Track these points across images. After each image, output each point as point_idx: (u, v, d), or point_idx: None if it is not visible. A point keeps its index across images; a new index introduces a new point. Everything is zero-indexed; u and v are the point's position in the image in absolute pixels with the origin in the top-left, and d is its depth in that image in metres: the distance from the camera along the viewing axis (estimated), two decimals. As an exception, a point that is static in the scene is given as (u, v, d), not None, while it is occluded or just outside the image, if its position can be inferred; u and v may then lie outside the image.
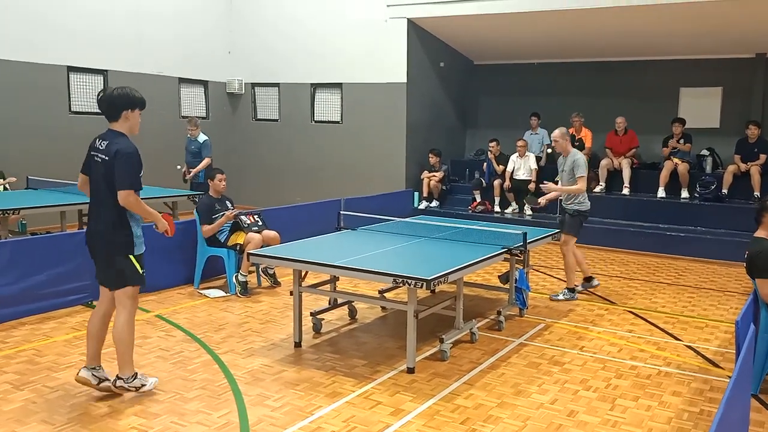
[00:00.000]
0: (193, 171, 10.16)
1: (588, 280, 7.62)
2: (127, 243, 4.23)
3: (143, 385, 4.41)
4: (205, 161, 10.10)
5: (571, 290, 7.25)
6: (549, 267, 9.02)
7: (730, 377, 5.01)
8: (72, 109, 11.10)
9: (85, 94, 11.30)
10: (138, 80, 11.95)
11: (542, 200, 7.54)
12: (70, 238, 6.62)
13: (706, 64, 11.66)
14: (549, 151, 11.84)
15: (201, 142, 10.22)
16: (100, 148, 4.15)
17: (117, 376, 4.37)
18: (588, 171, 7.32)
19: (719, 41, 11.07)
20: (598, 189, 11.03)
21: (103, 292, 4.43)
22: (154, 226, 4.55)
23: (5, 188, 9.17)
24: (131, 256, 4.23)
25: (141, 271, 4.29)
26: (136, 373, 4.40)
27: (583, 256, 7.63)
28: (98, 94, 4.22)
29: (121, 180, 4.02)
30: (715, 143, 11.29)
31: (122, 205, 4.11)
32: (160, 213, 4.54)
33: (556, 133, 7.29)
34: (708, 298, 7.57)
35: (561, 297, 7.21)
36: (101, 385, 4.44)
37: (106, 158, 4.05)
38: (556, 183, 7.52)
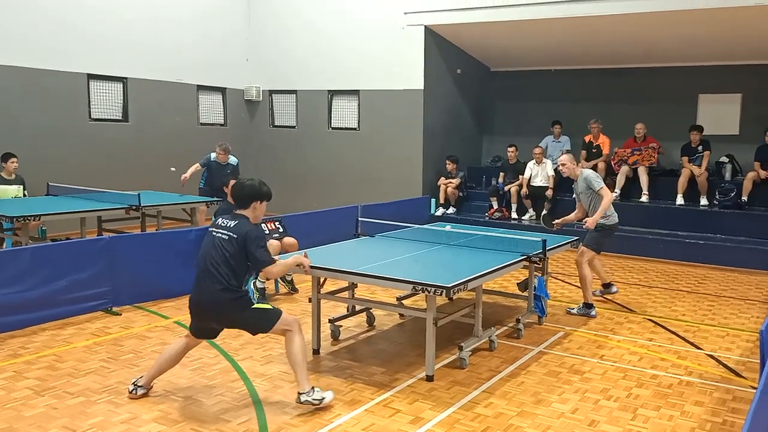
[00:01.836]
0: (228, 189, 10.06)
1: (607, 286, 7.54)
2: (246, 300, 4.44)
3: (323, 398, 4.45)
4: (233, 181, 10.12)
5: (588, 306, 6.94)
6: (568, 275, 8.96)
7: (753, 387, 4.96)
8: (92, 116, 11.23)
9: (105, 101, 11.43)
10: (157, 87, 12.12)
11: (558, 222, 7.35)
12: (90, 245, 6.69)
13: (725, 70, 11.55)
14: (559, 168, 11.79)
15: (235, 164, 10.28)
16: (227, 225, 4.43)
17: (298, 392, 4.44)
18: (605, 178, 7.23)
19: (738, 47, 10.97)
20: (613, 195, 10.92)
21: (193, 338, 4.63)
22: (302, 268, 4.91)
23: (24, 195, 9.29)
24: (256, 306, 4.46)
25: (269, 306, 4.57)
26: (314, 387, 4.47)
27: (601, 264, 7.56)
28: (235, 185, 4.64)
29: (266, 259, 4.39)
30: (735, 150, 11.17)
31: (270, 277, 4.79)
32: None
33: (564, 158, 7.18)
34: (728, 306, 7.48)
35: (575, 311, 6.97)
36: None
37: (235, 237, 4.34)
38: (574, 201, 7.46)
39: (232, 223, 4.43)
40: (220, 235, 4.41)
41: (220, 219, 4.52)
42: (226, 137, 11.04)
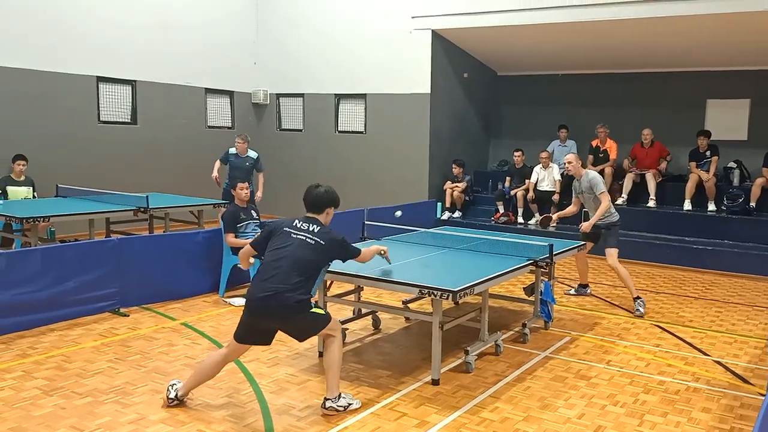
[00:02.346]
0: (259, 192, 9.94)
1: (583, 286, 7.92)
2: (308, 303, 4.42)
3: (350, 404, 4.48)
4: (262, 177, 10.09)
5: (637, 298, 7.18)
6: (574, 279, 8.94)
7: (761, 394, 4.94)
8: (101, 119, 11.29)
9: (114, 104, 11.50)
10: (166, 91, 12.19)
11: (555, 216, 7.79)
12: (99, 246, 6.73)
13: (734, 75, 11.53)
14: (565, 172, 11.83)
15: (255, 157, 10.10)
16: (308, 230, 4.49)
17: (325, 398, 4.45)
18: (612, 183, 7.35)
19: (746, 52, 10.94)
20: (620, 200, 10.93)
21: (240, 347, 4.51)
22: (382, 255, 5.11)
23: (34, 196, 9.34)
24: (314, 310, 4.45)
25: (324, 312, 4.64)
26: (340, 394, 4.48)
27: (587, 266, 7.96)
28: (311, 190, 4.66)
29: (356, 251, 4.72)
30: (743, 155, 11.14)
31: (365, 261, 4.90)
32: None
33: (570, 156, 7.48)
34: (736, 312, 7.45)
35: (641, 309, 7.12)
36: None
37: (323, 243, 4.44)
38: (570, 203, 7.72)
39: (315, 228, 4.50)
40: (302, 237, 4.44)
41: (297, 221, 4.56)
42: (233, 141, 11.06)
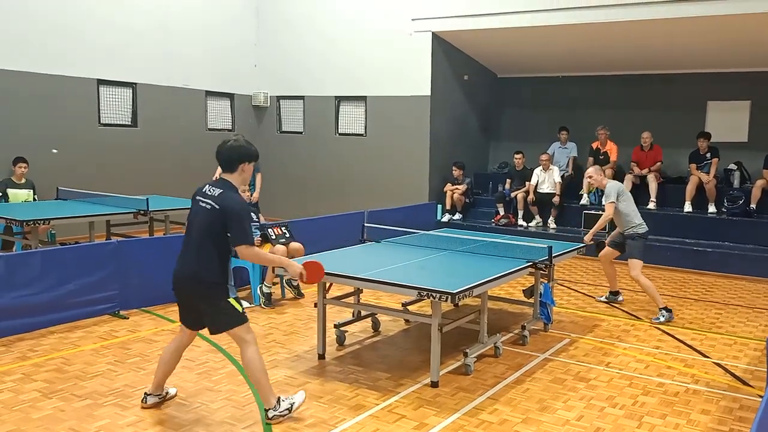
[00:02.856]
0: (255, 193, 9.59)
1: (614, 293, 7.67)
2: (224, 288, 4.21)
3: (292, 404, 4.34)
4: (260, 178, 9.77)
5: (666, 309, 7.06)
6: (574, 281, 8.95)
7: (760, 396, 4.93)
8: (101, 121, 11.31)
9: (115, 106, 11.52)
10: (166, 93, 12.21)
11: (587, 237, 7.41)
12: (99, 248, 6.74)
13: (734, 77, 11.54)
14: (570, 172, 11.88)
15: None
16: (210, 194, 4.15)
17: (266, 409, 4.32)
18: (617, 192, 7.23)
19: (747, 54, 10.95)
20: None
21: (184, 330, 4.43)
22: (284, 271, 4.58)
23: (34, 199, 9.36)
24: (230, 299, 4.20)
25: (241, 310, 4.24)
26: (279, 398, 4.35)
27: (615, 272, 7.75)
28: (220, 146, 4.26)
29: (241, 237, 4.06)
30: (743, 157, 11.14)
31: (243, 258, 4.19)
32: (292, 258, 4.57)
33: (591, 170, 7.54)
34: (736, 314, 7.45)
35: (662, 318, 7.02)
36: (167, 398, 4.64)
37: (217, 208, 4.06)
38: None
39: (216, 192, 4.12)
40: (204, 203, 4.13)
41: (207, 186, 4.22)
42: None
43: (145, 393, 4.56)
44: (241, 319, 4.20)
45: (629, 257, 7.16)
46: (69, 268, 6.37)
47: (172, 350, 4.47)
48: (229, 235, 4.10)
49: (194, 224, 4.19)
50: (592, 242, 7.38)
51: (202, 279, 4.13)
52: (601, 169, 7.58)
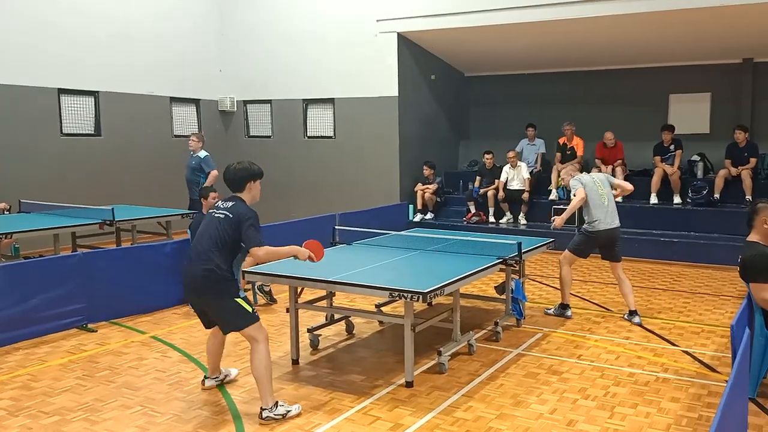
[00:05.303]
0: (207, 183, 9.47)
1: (632, 313, 6.82)
2: (232, 286, 4.41)
3: (288, 411, 4.43)
4: (213, 174, 9.68)
5: (563, 306, 6.96)
6: (545, 276, 9.03)
7: (726, 381, 5.03)
8: (63, 131, 11.09)
9: (77, 115, 11.30)
10: (130, 101, 12.02)
11: (558, 221, 7.03)
12: (64, 261, 6.60)
13: (695, 70, 11.78)
14: (538, 168, 12.00)
15: (202, 157, 9.88)
16: (223, 207, 4.50)
17: (261, 408, 4.41)
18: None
19: (707, 47, 11.18)
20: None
21: (211, 330, 4.86)
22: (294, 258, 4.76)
23: (3, 212, 9.13)
24: (238, 299, 4.39)
25: (251, 309, 4.44)
26: (278, 402, 4.43)
27: (631, 288, 6.94)
28: (227, 170, 4.64)
29: (254, 239, 4.36)
30: (706, 148, 11.37)
31: (257, 259, 4.62)
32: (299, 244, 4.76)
33: (564, 172, 7.38)
34: (703, 302, 7.59)
35: (552, 312, 7.02)
36: (226, 380, 5.09)
37: (231, 216, 4.40)
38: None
39: (229, 204, 4.50)
40: (217, 214, 4.47)
41: (220, 201, 4.62)
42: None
43: (204, 376, 5.02)
44: (252, 318, 4.40)
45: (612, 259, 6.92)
46: (33, 282, 6.23)
47: (212, 342, 4.90)
48: (242, 243, 4.40)
49: (206, 232, 4.45)
50: (561, 227, 7.10)
51: (213, 271, 4.32)
52: (575, 171, 7.31)
